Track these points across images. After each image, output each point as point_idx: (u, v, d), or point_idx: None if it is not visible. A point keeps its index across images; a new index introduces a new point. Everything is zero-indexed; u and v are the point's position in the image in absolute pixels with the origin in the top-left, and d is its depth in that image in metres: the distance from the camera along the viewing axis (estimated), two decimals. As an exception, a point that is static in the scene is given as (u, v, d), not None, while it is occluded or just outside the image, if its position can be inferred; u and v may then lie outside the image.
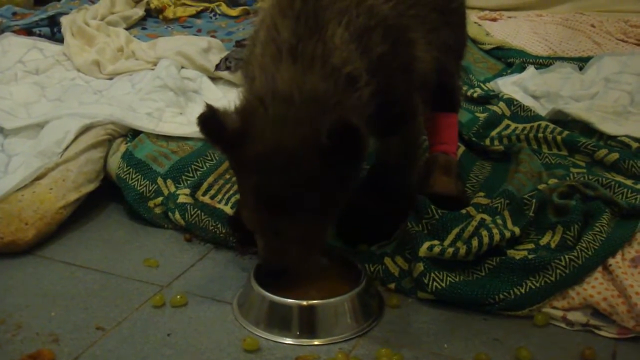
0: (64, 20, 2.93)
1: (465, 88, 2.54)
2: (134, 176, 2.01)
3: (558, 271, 1.57)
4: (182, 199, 1.93)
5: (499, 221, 1.71)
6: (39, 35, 2.95)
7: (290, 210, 1.45)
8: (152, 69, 2.56)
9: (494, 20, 3.64)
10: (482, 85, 2.68)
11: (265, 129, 1.42)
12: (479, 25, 3.42)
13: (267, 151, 1.42)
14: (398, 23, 1.59)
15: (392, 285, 1.68)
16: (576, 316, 1.56)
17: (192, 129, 2.10)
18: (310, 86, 1.43)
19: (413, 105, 1.72)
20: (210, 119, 1.44)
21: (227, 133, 1.44)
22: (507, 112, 2.41)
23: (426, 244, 1.64)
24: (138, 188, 1.99)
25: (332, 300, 1.54)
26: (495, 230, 1.64)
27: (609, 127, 2.24)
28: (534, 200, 1.73)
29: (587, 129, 2.26)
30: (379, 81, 1.53)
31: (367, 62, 1.51)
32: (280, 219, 1.47)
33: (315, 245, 1.57)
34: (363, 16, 1.52)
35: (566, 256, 1.58)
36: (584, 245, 1.61)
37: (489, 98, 2.53)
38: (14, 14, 3.21)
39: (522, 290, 1.57)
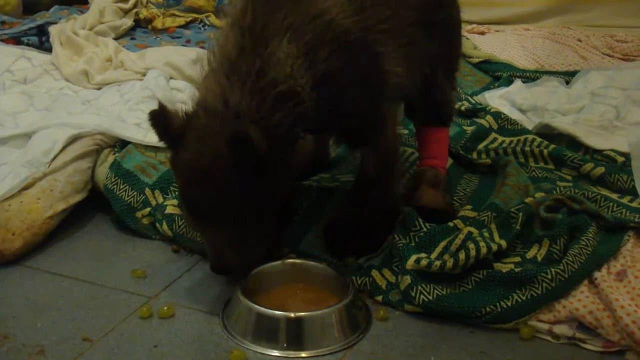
0: (52, 29, 2.93)
1: (452, 101, 2.55)
2: (121, 187, 2.01)
3: (544, 284, 1.58)
4: (170, 210, 1.93)
5: (486, 234, 1.71)
6: (28, 45, 2.95)
7: (209, 217, 1.55)
8: (141, 80, 2.56)
9: (482, 33, 3.66)
10: (469, 98, 2.69)
11: (194, 138, 1.51)
12: (467, 38, 3.44)
13: (189, 160, 1.52)
14: (362, 37, 1.58)
15: (380, 298, 1.68)
16: (562, 329, 1.57)
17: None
18: (234, 101, 1.49)
19: (379, 119, 1.72)
20: (159, 115, 1.53)
21: (171, 131, 1.54)
22: (495, 126, 2.42)
23: (413, 257, 1.65)
24: (126, 199, 1.99)
25: (319, 312, 1.54)
26: (482, 244, 1.65)
27: (595, 141, 2.25)
28: (520, 214, 1.74)
29: (574, 143, 2.28)
30: (327, 96, 1.54)
31: (312, 77, 1.52)
32: (204, 225, 1.59)
33: (250, 250, 1.63)
34: (315, 31, 1.53)
35: (552, 269, 1.59)
36: (570, 258, 1.62)
37: (477, 111, 2.54)
38: (2, 22, 3.20)
39: (509, 303, 1.58)
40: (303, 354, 1.51)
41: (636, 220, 1.74)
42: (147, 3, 3.49)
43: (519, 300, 1.58)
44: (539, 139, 2.27)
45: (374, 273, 1.71)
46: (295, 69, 1.51)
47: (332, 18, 1.55)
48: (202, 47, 2.98)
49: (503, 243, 1.68)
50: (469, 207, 1.92)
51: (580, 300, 1.57)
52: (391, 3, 1.66)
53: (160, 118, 1.53)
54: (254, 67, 1.50)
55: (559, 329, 1.57)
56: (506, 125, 2.41)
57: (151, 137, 2.14)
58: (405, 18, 1.70)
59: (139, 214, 1.97)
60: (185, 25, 3.45)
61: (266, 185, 1.53)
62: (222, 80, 1.51)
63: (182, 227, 1.89)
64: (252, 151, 1.44)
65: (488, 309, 1.58)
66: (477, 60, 3.18)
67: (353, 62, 1.57)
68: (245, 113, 1.48)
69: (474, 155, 2.25)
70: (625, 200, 1.89)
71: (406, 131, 2.33)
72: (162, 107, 1.54)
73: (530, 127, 2.42)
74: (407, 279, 1.63)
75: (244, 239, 1.59)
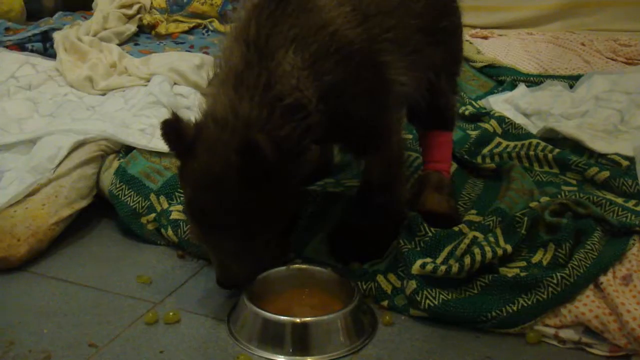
0: (56, 35, 2.94)
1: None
2: (126, 192, 2.01)
3: (550, 289, 1.58)
4: (175, 216, 1.93)
5: (491, 239, 1.71)
6: (32, 51, 2.96)
7: (216, 227, 1.54)
8: (145, 85, 2.57)
9: (485, 38, 3.67)
10: (473, 102, 2.70)
11: (203, 149, 1.51)
12: (471, 43, 3.45)
13: (199, 169, 1.51)
14: (366, 47, 1.58)
15: (385, 303, 1.68)
16: (568, 334, 1.56)
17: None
18: (244, 112, 1.48)
19: (384, 127, 1.72)
20: (171, 124, 1.52)
21: (182, 141, 1.53)
22: (499, 130, 2.42)
23: (419, 262, 1.65)
24: (131, 204, 1.99)
25: (325, 317, 1.54)
26: (487, 248, 1.65)
27: (600, 145, 2.25)
28: (525, 218, 1.74)
29: (578, 147, 2.27)
30: (333, 107, 1.55)
31: (318, 88, 1.52)
32: (211, 235, 1.57)
33: (257, 261, 1.62)
34: (320, 42, 1.52)
35: (558, 274, 1.59)
36: (576, 263, 1.62)
37: (481, 116, 2.55)
38: (7, 29, 3.22)
39: (514, 308, 1.58)
40: (309, 359, 1.51)
41: (641, 224, 1.74)
42: (150, 9, 3.50)
43: (525, 304, 1.58)
44: (543, 143, 2.27)
45: (380, 278, 1.71)
46: (301, 81, 1.51)
47: (336, 29, 1.54)
48: (206, 53, 2.98)
49: (508, 247, 1.68)
50: (473, 211, 1.92)
51: (586, 305, 1.56)
52: (396, 12, 1.66)
53: (172, 128, 1.52)
54: (261, 81, 1.49)
55: (565, 334, 1.56)
56: (510, 130, 2.41)
57: (156, 143, 2.15)
58: (409, 26, 1.70)
59: (144, 220, 1.98)
60: (189, 31, 3.46)
61: (275, 196, 1.52)
62: (230, 92, 1.51)
63: (187, 232, 1.89)
64: (261, 159, 1.44)
65: (494, 314, 1.58)
66: (480, 64, 3.18)
67: (358, 73, 1.57)
68: (255, 123, 1.47)
69: (479, 160, 2.25)
70: (630, 204, 1.89)
71: (410, 136, 2.33)
72: (175, 116, 1.53)
73: (534, 131, 2.43)
74: (413, 284, 1.63)
75: (252, 249, 1.58)
